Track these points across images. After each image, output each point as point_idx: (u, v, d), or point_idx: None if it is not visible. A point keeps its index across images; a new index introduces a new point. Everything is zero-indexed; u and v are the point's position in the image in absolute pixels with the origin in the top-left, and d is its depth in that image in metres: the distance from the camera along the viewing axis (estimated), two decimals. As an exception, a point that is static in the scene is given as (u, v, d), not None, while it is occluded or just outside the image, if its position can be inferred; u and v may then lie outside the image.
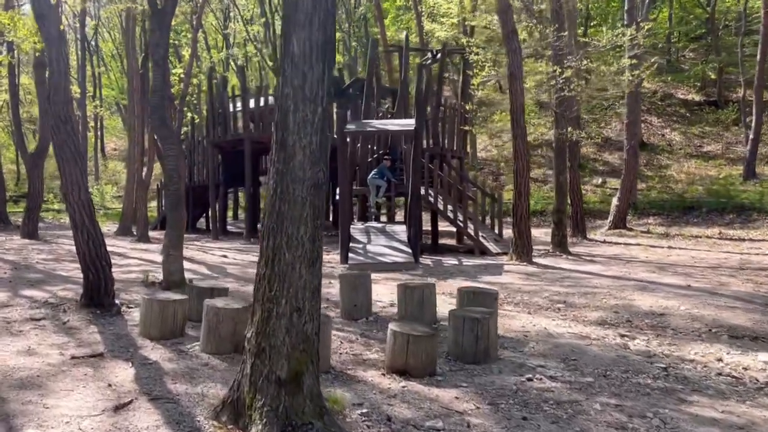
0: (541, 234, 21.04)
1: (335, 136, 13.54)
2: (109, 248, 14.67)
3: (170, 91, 21.11)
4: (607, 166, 31.94)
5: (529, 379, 5.18)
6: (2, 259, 11.43)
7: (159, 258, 13.04)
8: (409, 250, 13.11)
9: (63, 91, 6.54)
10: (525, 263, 12.57)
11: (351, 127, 13.19)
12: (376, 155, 17.22)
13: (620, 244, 17.39)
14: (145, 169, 18.82)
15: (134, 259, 12.66)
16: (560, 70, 13.03)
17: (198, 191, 21.96)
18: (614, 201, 20.64)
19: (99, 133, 43.46)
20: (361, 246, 13.53)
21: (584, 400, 4.75)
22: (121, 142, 50.09)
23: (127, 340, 5.85)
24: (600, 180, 29.95)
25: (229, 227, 23.12)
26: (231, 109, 19.44)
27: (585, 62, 14.21)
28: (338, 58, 42.72)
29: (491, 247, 14.63)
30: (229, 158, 21.18)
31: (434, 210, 15.73)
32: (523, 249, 12.64)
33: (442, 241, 17.43)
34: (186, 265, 12.23)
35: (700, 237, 18.29)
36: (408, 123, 13.73)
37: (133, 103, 18.58)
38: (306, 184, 3.73)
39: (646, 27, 14.94)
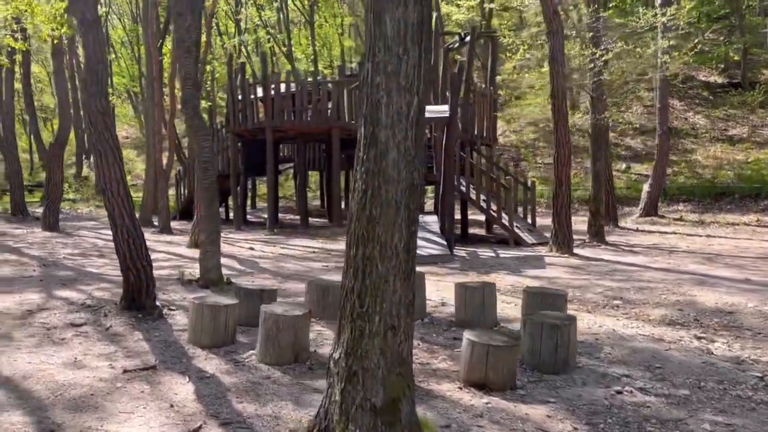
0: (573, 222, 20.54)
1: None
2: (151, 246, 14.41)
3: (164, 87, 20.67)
4: (630, 151, 31.28)
5: (619, 392, 4.74)
6: (29, 255, 11.09)
7: (185, 251, 12.69)
8: (444, 242, 12.68)
9: (101, 80, 6.10)
10: (566, 255, 12.10)
11: (382, 114, 12.68)
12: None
13: (654, 232, 16.87)
14: (165, 158, 18.42)
15: (161, 253, 12.28)
16: (600, 53, 12.46)
17: (217, 180, 21.55)
18: (645, 187, 20.08)
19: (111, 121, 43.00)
20: (393, 237, 13.08)
21: (688, 417, 4.31)
22: (133, 130, 49.84)
23: (177, 348, 5.45)
24: (624, 165, 29.32)
25: (248, 217, 22.74)
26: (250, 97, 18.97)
27: (620, 44, 13.63)
28: (351, 43, 42.13)
29: (526, 237, 14.16)
30: (249, 147, 20.76)
31: (465, 199, 15.26)
32: (564, 240, 12.17)
33: (470, 230, 16.99)
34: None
35: (737, 224, 17.73)
36: (441, 110, 13.22)
37: (151, 90, 18.14)
38: (401, 185, 3.28)
39: (687, 7, 14.30)
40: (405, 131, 3.27)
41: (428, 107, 14.49)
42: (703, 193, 21.95)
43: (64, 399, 4.13)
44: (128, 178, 34.38)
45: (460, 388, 4.71)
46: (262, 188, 30.35)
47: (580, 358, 5.59)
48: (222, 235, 14.28)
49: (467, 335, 4.82)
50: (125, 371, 4.73)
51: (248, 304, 6.26)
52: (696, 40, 15.97)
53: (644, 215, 19.49)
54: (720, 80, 34.21)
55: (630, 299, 8.22)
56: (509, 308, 7.54)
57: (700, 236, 15.84)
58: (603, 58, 12.47)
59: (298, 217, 23.45)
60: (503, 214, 14.40)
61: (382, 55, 3.27)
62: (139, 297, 6.47)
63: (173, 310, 6.87)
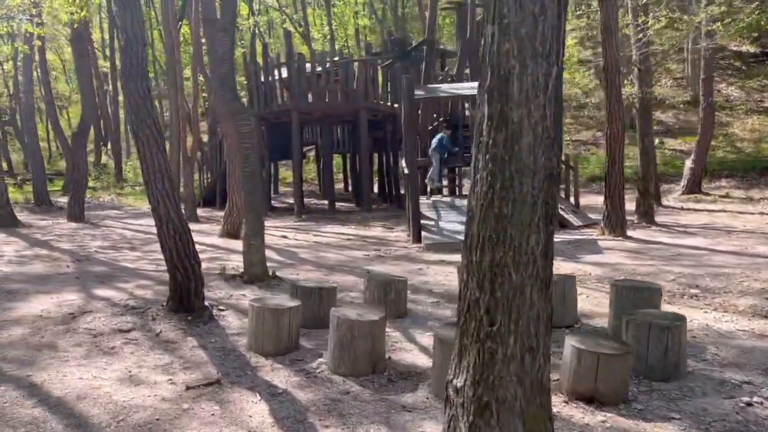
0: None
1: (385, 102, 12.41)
2: (155, 232, 13.94)
3: (200, 62, 20.07)
4: (662, 126, 30.34)
5: (749, 404, 4.14)
6: (59, 249, 10.64)
7: (218, 241, 12.18)
8: (488, 226, 12.03)
9: (140, 61, 5.52)
10: (620, 238, 11.44)
11: (421, 93, 12.04)
12: (435, 123, 16.07)
13: (701, 210, 16.12)
14: (189, 143, 17.89)
15: (197, 243, 11.77)
16: (652, 21, 11.66)
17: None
18: (688, 163, 19.26)
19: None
20: (432, 223, 12.50)
21: (842, 435, 3.71)
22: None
23: (237, 357, 4.92)
24: (657, 140, 28.38)
25: (272, 203, 22.24)
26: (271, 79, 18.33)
27: (664, 12, 12.81)
28: (366, 22, 41.24)
29: (572, 219, 13.50)
30: (271, 130, 20.18)
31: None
32: (617, 222, 11.50)
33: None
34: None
35: (788, 201, 16.93)
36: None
37: (173, 74, 17.56)
38: (538, 175, 2.68)
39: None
40: (542, 109, 2.66)
41: (467, 84, 13.81)
42: (746, 167, 21.06)
43: (129, 426, 3.61)
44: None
45: (566, 402, 4.14)
46: (283, 172, 29.81)
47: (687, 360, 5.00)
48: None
49: (571, 341, 4.23)
50: (188, 388, 4.21)
51: (306, 303, 5.71)
52: (748, 8, 15.02)
53: (687, 192, 18.71)
54: (752, 50, 32.96)
55: (708, 287, 7.58)
56: (582, 301, 6.94)
57: (752, 214, 15.09)
58: (654, 27, 11.68)
59: (323, 201, 22.91)
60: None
61: (513, 15, 2.65)
62: (187, 298, 5.95)
63: (222, 310, 6.36)
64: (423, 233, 11.82)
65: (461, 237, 11.65)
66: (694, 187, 18.87)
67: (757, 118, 27.13)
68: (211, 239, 12.41)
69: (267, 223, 16.10)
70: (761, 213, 15.12)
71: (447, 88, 12.75)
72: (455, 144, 15.95)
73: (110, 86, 34.83)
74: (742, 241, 10.90)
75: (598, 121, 33.91)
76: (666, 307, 6.71)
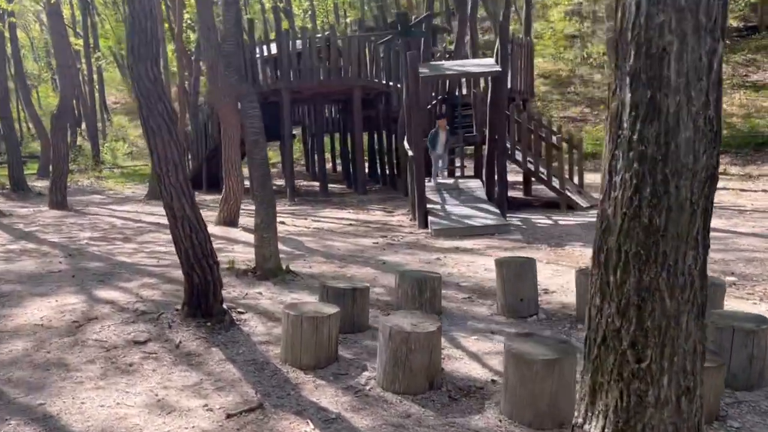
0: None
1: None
2: (149, 219, 13.25)
3: (182, 42, 19.18)
4: (649, 101, 29.99)
5: None
6: (47, 242, 9.94)
7: (215, 230, 11.49)
8: (496, 210, 11.61)
9: (150, 40, 4.88)
10: (634, 220, 11.07)
11: (425, 71, 11.45)
12: (434, 101, 15.50)
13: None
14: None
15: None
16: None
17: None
18: (684, 140, 18.97)
19: (99, 86, 41.19)
20: (438, 207, 12.01)
21: None
22: (122, 95, 47.98)
23: (272, 372, 4.41)
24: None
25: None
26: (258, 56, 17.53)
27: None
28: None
29: (580, 201, 13.12)
30: (264, 111, 19.40)
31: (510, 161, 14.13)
32: (630, 204, 11.11)
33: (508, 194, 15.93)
34: (248, 237, 10.79)
35: (790, 177, 16.75)
36: (488, 63, 11.98)
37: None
38: (698, 178, 2.19)
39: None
40: (705, 95, 2.17)
41: (473, 61, 13.25)
42: (740, 144, 20.89)
43: (171, 471, 3.09)
44: (124, 145, 32.69)
45: (654, 420, 3.70)
46: (272, 155, 29.03)
47: (760, 363, 4.60)
48: (242, 207, 13.19)
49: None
50: (229, 416, 3.69)
51: (338, 306, 5.20)
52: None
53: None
54: (735, 24, 32.81)
55: (745, 274, 7.24)
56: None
57: (755, 191, 14.88)
58: None
59: (313, 183, 22.29)
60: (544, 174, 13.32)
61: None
62: (205, 301, 5.39)
63: (242, 313, 5.82)
64: (430, 218, 11.33)
65: (471, 221, 11.26)
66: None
67: (744, 93, 27.01)
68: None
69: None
70: (764, 190, 14.91)
71: (451, 66, 12.18)
72: (454, 124, 15.42)
73: (83, 65, 33.53)
74: (758, 221, 10.62)
75: (584, 97, 33.64)
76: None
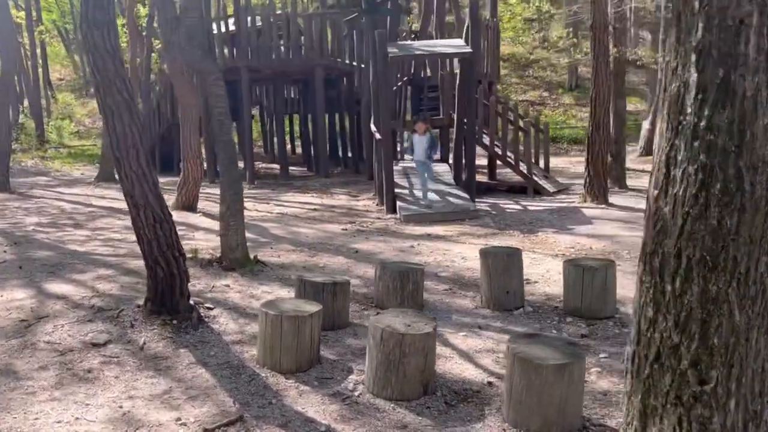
0: (566, 163, 19.57)
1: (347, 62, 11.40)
2: (101, 203, 12.52)
3: (133, 16, 18.22)
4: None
5: None
6: (-11, 229, 9.21)
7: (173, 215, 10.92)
8: (465, 194, 11.38)
9: (107, 4, 4.34)
10: (603, 205, 11.01)
11: (394, 50, 11.05)
12: (399, 83, 15.12)
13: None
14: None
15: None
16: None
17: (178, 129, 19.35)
18: (645, 125, 19.18)
19: (43, 62, 39.29)
20: (406, 192, 11.69)
21: None
22: (67, 71, 45.87)
23: (251, 377, 4.02)
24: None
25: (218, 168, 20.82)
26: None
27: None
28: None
29: (547, 185, 13.00)
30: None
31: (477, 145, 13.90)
32: (599, 189, 11.06)
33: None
34: (209, 222, 10.27)
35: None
36: (458, 44, 11.65)
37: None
38: (774, 173, 1.90)
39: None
40: (786, 79, 1.87)
41: (442, 42, 12.90)
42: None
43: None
44: (70, 124, 31.12)
45: None
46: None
47: None
48: (200, 190, 12.60)
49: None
50: (205, 431, 3.30)
51: (317, 302, 4.83)
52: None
53: (644, 154, 18.67)
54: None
55: None
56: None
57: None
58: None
59: (271, 166, 21.66)
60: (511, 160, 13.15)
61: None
62: (171, 297, 4.94)
63: (210, 309, 5.38)
64: (398, 203, 11.01)
65: (440, 207, 10.99)
66: (650, 149, 18.83)
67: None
68: (163, 212, 11.15)
69: (214, 190, 14.88)
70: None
71: (420, 46, 11.80)
72: (420, 109, 15.09)
73: (25, 39, 31.76)
74: None
75: (543, 81, 33.78)
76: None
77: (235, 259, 6.75)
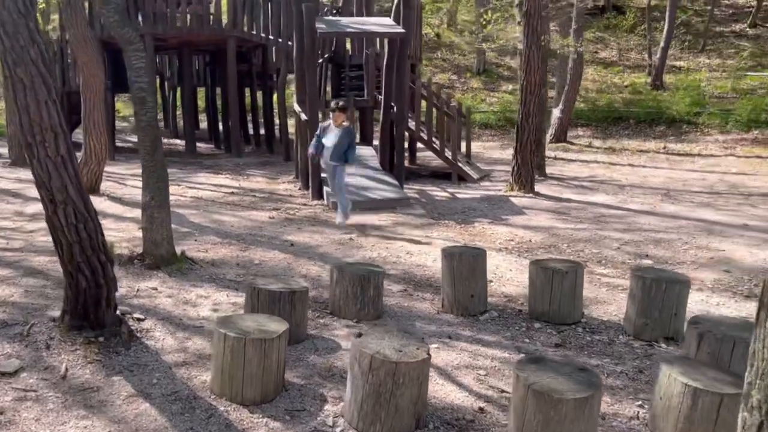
0: (480, 148, 19.64)
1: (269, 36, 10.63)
2: (17, 189, 10.95)
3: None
4: (512, 72, 30.99)
5: None
6: None
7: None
8: (395, 182, 10.98)
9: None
10: (530, 194, 10.98)
11: (322, 26, 10.36)
12: (321, 60, 14.39)
13: (574, 161, 16.40)
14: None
15: (35, 203, 9.29)
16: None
17: (74, 98, 17.54)
18: (555, 113, 19.56)
19: None
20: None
21: None
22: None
23: (208, 413, 3.40)
24: (510, 87, 28.97)
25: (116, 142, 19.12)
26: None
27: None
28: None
29: (471, 172, 12.86)
30: (114, 58, 17.02)
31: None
32: (527, 178, 11.02)
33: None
34: (118, 209, 9.25)
35: (647, 152, 17.82)
36: (388, 23, 11.12)
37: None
38: None
39: None
40: None
41: (372, 19, 12.30)
42: (599, 118, 22.01)
43: None
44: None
45: (676, 454, 3.25)
46: (119, 106, 26.09)
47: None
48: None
49: (677, 375, 3.31)
50: (170, 495, 2.67)
51: (272, 313, 4.24)
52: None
53: (555, 141, 19.06)
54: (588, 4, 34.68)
55: (659, 257, 7.22)
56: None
57: (623, 165, 15.60)
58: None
59: (174, 141, 20.23)
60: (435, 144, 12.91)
61: None
62: (95, 309, 4.16)
63: (141, 320, 4.64)
64: (325, 189, 10.42)
65: (370, 194, 10.47)
66: (561, 136, 19.32)
67: (594, 69, 28.54)
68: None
69: (117, 169, 13.60)
70: (630, 165, 15.67)
71: (350, 23, 11.16)
72: (341, 88, 14.45)
73: None
74: (642, 198, 10.95)
75: (452, 64, 33.90)
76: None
77: (160, 255, 5.96)
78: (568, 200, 10.66)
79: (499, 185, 12.24)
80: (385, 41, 11.69)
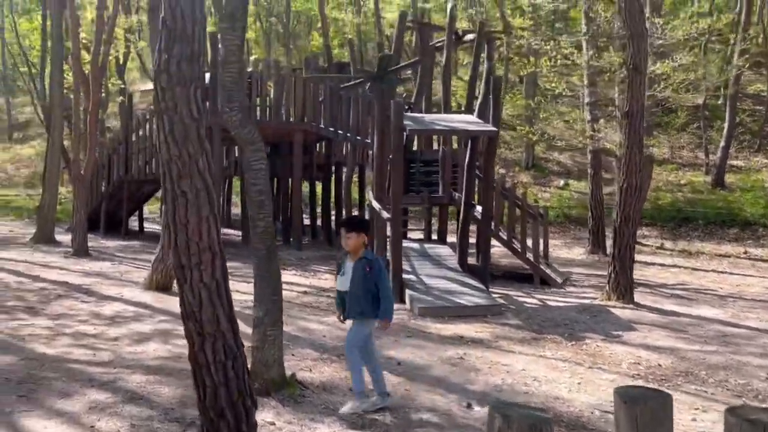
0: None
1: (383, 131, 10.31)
2: (50, 274, 10.49)
3: (79, 62, 16.52)
4: (561, 167, 30.77)
5: None
6: None
7: (144, 296, 9.12)
8: (481, 286, 10.26)
9: (197, 53, 3.02)
10: (631, 305, 10.10)
11: (410, 123, 10.03)
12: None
13: (650, 264, 15.49)
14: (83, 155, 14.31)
15: (111, 302, 8.71)
16: (668, 66, 10.64)
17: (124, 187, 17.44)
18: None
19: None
20: (413, 278, 10.45)
21: None
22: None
23: None
24: (562, 182, 28.60)
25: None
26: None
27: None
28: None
29: (554, 276, 12.07)
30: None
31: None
32: (626, 287, 10.17)
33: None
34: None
35: (727, 256, 16.86)
36: (474, 120, 10.77)
37: (43, 63, 14.05)
38: None
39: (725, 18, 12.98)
40: None
41: (458, 117, 12.02)
42: (664, 218, 21.22)
43: None
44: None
45: None
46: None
47: None
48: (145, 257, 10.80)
49: None
50: None
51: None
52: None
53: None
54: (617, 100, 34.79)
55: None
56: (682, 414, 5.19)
57: (706, 270, 14.68)
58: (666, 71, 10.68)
59: (229, 231, 19.84)
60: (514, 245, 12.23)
61: None
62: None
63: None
64: (408, 292, 9.74)
65: (457, 299, 9.67)
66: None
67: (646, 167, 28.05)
68: (132, 293, 9.35)
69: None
70: (714, 271, 14.74)
71: (436, 120, 10.86)
72: (411, 183, 14.00)
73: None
74: (754, 312, 10.00)
75: (499, 157, 33.74)
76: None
77: (271, 379, 5.24)
78: (675, 313, 9.75)
79: (587, 291, 11.42)
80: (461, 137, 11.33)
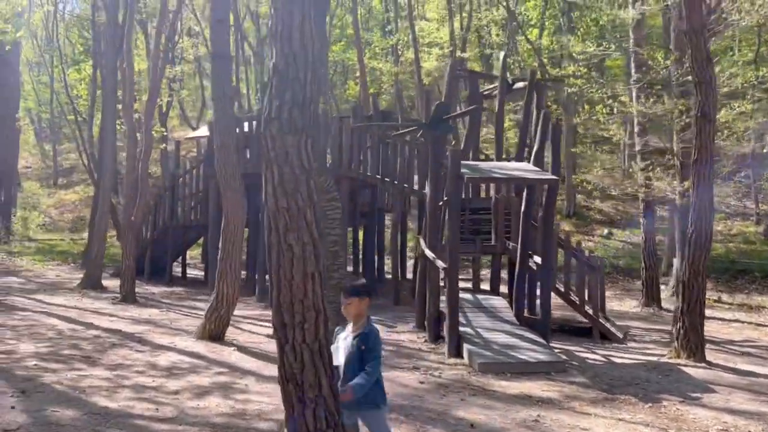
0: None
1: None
2: (102, 321, 10.38)
3: (131, 112, 16.82)
4: (603, 215, 30.16)
5: None
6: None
7: (197, 346, 8.85)
8: (542, 340, 9.82)
9: (309, 100, 2.86)
10: (703, 364, 9.52)
11: (467, 171, 9.82)
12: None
13: (710, 318, 14.67)
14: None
15: (163, 352, 8.50)
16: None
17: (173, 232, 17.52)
18: (676, 262, 18.19)
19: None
20: (470, 330, 10.06)
21: None
22: (34, 159, 44.03)
23: None
24: (606, 231, 27.97)
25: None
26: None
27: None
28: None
29: (615, 331, 11.54)
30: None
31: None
32: (696, 344, 9.61)
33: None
34: (254, 363, 8.35)
35: (793, 311, 16.05)
36: (531, 168, 10.53)
37: (113, 110, 14.31)
38: None
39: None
40: None
41: (514, 164, 11.79)
42: (718, 269, 20.41)
43: None
44: (38, 216, 28.75)
45: None
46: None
47: None
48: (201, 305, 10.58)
49: None
50: None
51: None
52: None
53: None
54: (675, 147, 34.13)
55: None
56: None
57: (771, 327, 13.94)
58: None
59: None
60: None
61: None
62: None
63: None
64: (466, 346, 9.35)
65: (519, 355, 9.19)
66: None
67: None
68: (185, 342, 9.14)
69: (243, 312, 12.79)
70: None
71: (493, 168, 10.65)
72: (461, 230, 13.70)
73: None
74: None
75: (539, 204, 33.29)
76: None
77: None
78: (752, 374, 9.16)
79: (649, 347, 10.90)
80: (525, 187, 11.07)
